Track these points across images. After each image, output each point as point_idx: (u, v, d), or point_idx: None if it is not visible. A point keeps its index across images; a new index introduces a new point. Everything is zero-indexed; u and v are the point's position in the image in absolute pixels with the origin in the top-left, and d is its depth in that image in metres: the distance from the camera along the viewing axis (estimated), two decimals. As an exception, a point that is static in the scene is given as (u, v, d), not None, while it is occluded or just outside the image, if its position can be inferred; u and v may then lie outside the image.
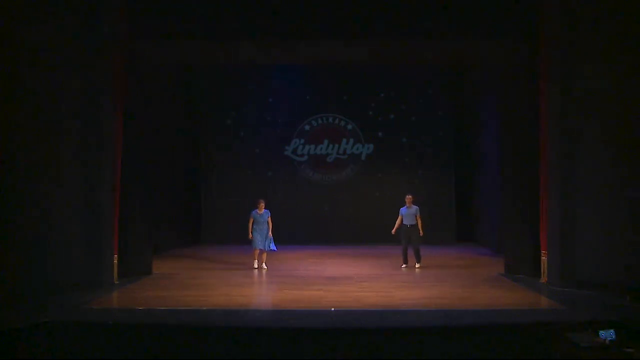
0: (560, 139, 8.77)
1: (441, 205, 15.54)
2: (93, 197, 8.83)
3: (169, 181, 13.89)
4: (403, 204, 11.11)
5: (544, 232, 9.24)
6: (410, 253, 10.99)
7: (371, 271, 10.67)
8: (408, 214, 10.97)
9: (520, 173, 9.92)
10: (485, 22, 9.55)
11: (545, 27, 9.02)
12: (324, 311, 7.35)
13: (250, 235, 10.89)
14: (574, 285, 8.57)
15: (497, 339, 6.26)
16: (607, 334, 5.77)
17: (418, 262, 10.96)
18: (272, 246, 10.90)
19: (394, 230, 11.11)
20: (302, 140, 16.10)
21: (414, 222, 10.90)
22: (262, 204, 11.05)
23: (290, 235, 14.14)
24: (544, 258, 9.24)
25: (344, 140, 16.10)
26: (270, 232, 10.87)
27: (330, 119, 16.19)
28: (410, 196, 11.11)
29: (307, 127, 16.14)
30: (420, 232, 10.91)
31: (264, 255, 11.03)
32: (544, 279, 9.21)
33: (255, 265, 10.91)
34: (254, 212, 10.99)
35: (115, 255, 9.31)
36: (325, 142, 16.10)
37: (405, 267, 10.93)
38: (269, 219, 10.96)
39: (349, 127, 16.12)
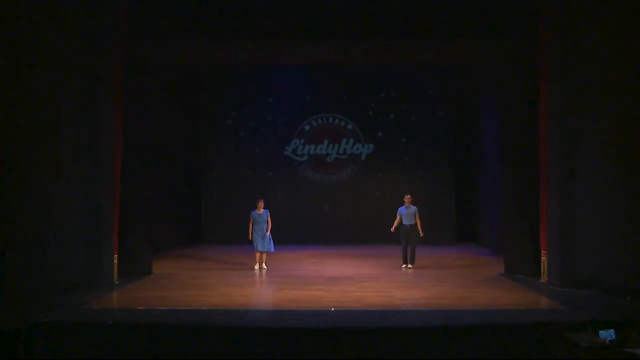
0: (560, 139, 8.77)
1: (441, 205, 15.54)
2: (93, 197, 8.83)
3: (169, 181, 13.88)
4: (403, 203, 11.11)
5: (544, 232, 9.24)
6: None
7: (371, 271, 10.67)
8: (407, 213, 10.97)
9: (520, 173, 9.92)
10: (485, 22, 9.56)
11: (545, 27, 9.02)
12: (324, 311, 7.35)
13: (251, 236, 10.90)
14: (574, 285, 8.57)
15: (497, 339, 6.25)
16: (607, 334, 5.77)
17: (411, 262, 10.95)
18: (271, 247, 10.90)
19: (393, 228, 11.11)
20: (302, 140, 16.10)
21: (413, 222, 10.90)
22: (261, 204, 11.05)
23: (290, 235, 14.15)
24: (544, 258, 9.24)
25: (344, 140, 16.10)
26: (268, 232, 10.86)
27: (330, 119, 16.19)
28: (409, 196, 11.11)
29: (307, 127, 16.14)
30: (420, 232, 10.91)
31: (264, 256, 11.03)
32: (544, 279, 9.21)
33: (256, 267, 10.92)
34: (253, 212, 10.99)
35: (115, 255, 9.31)
36: (325, 142, 16.10)
37: (405, 267, 10.93)
38: (269, 219, 10.95)
39: (349, 127, 16.12)
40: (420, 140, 15.85)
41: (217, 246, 14.86)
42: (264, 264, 11.00)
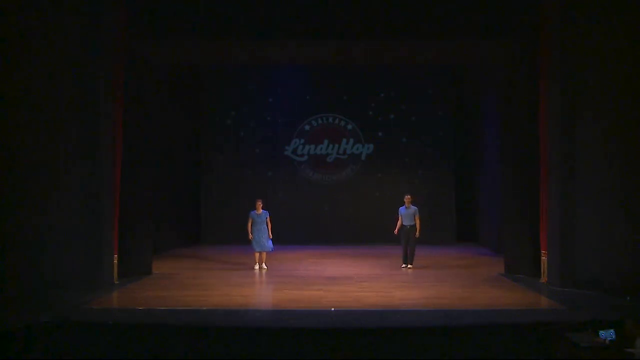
0: (560, 139, 8.76)
1: (441, 205, 15.54)
2: (93, 197, 8.82)
3: (169, 181, 13.89)
4: (403, 203, 11.11)
5: (544, 232, 9.24)
6: (411, 253, 11.01)
7: (371, 271, 10.67)
8: (407, 214, 10.97)
9: (520, 173, 9.92)
10: (485, 22, 9.56)
11: (545, 27, 9.02)
12: (324, 311, 7.35)
13: (251, 237, 10.89)
14: (574, 285, 8.57)
15: (497, 339, 6.25)
16: (607, 334, 5.76)
17: (410, 263, 10.94)
18: (269, 246, 10.89)
19: (396, 231, 11.10)
20: (302, 140, 16.10)
21: (412, 222, 10.89)
22: (260, 204, 11.03)
23: (290, 235, 14.13)
24: (544, 258, 9.24)
25: (344, 140, 16.10)
26: (270, 235, 10.85)
27: (330, 119, 16.18)
28: (409, 196, 11.10)
29: (307, 127, 16.13)
30: (417, 233, 10.88)
31: (264, 255, 11.03)
32: (544, 279, 9.21)
33: (256, 267, 10.92)
34: (252, 212, 10.98)
35: (115, 255, 9.31)
36: (325, 142, 16.09)
37: (405, 267, 10.93)
38: (268, 219, 10.95)
39: (349, 127, 16.11)
40: (420, 140, 15.84)
41: (217, 246, 14.85)
42: (263, 264, 10.99)
